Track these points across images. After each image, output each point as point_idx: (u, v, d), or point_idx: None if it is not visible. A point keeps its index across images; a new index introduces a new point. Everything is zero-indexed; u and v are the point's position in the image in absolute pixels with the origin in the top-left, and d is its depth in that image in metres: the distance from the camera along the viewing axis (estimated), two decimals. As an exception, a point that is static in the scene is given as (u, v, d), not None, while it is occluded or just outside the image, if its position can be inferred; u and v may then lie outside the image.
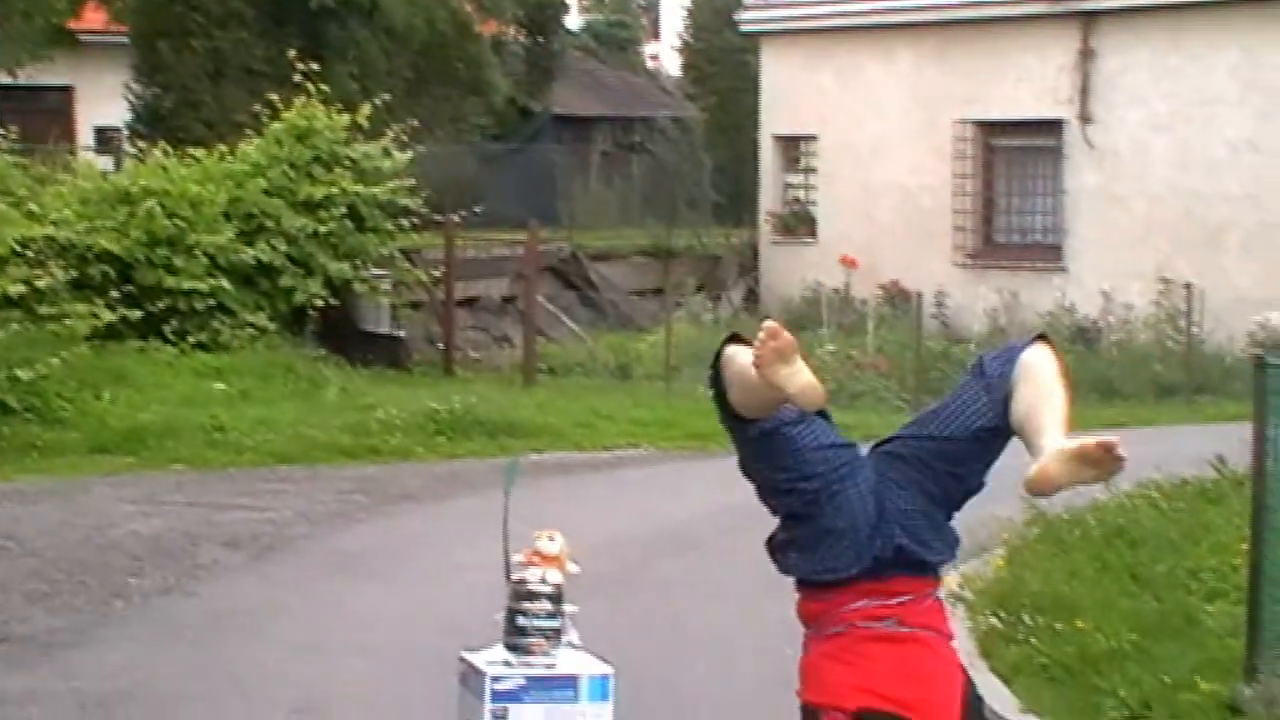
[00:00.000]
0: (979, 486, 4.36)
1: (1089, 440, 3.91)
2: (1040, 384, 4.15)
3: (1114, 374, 19.89)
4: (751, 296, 25.64)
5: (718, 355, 4.35)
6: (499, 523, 12.71)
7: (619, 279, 25.28)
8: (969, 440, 4.26)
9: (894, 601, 4.25)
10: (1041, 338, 4.30)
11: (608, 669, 6.22)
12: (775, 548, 4.45)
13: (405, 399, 16.60)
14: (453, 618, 9.65)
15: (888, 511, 4.27)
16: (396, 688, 8.22)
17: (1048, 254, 22.85)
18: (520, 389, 19.02)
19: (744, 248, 26.36)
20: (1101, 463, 3.91)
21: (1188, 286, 20.48)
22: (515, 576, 6.25)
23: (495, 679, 6.08)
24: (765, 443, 4.33)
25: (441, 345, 20.82)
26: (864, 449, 4.41)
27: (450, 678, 8.34)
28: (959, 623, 9.22)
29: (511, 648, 6.21)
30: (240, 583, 10.37)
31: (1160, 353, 20.55)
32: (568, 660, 6.29)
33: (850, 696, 4.21)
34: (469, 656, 6.28)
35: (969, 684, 4.33)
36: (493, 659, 6.19)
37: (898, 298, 22.36)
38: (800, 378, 4.08)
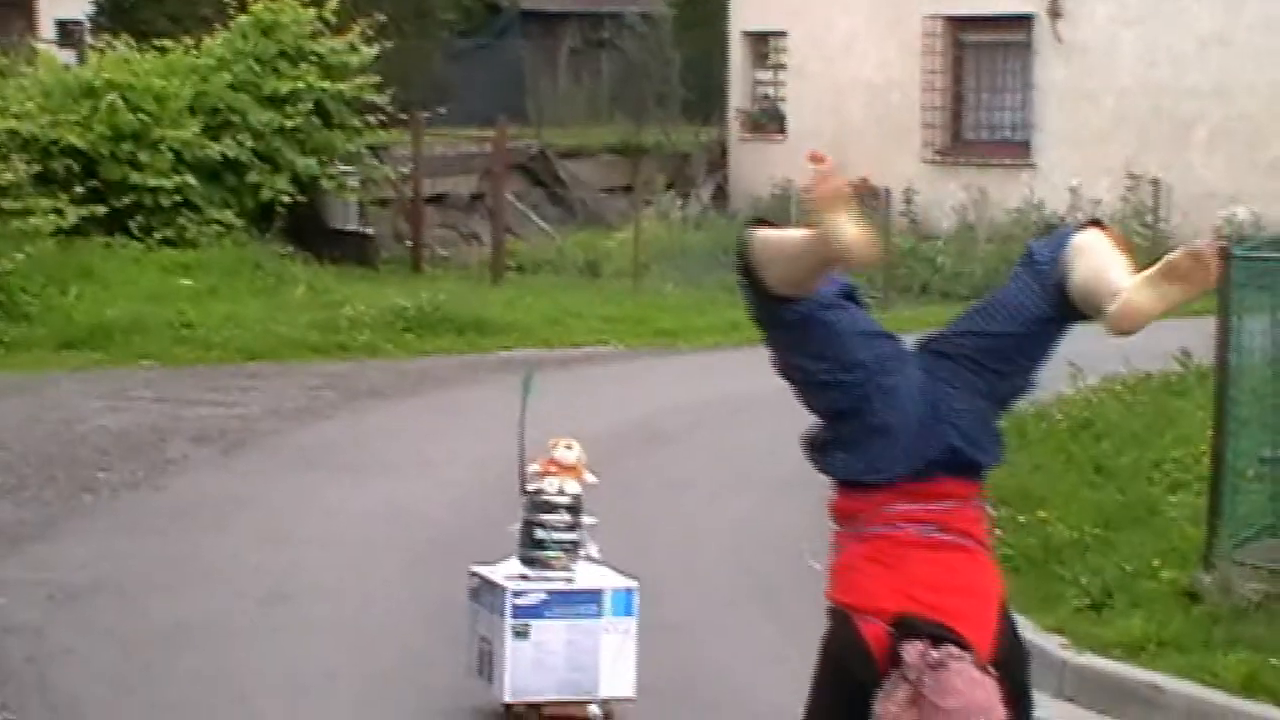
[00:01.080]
0: (1029, 385, 4.17)
1: (1172, 254, 3.73)
2: (1099, 253, 3.98)
3: (1082, 271, 19.87)
4: (720, 194, 25.56)
5: (742, 243, 4.09)
6: (467, 417, 12.80)
7: (587, 176, 25.17)
8: (1020, 335, 4.07)
9: (938, 506, 4.07)
10: (1095, 222, 4.15)
11: (632, 583, 6.12)
12: (816, 446, 4.24)
13: (374, 296, 16.56)
14: (421, 511, 9.69)
15: (940, 411, 4.08)
16: (364, 579, 8.26)
17: (1016, 150, 22.82)
18: (489, 286, 18.98)
19: (713, 145, 26.22)
20: (1191, 274, 3.74)
21: (1155, 182, 20.50)
22: (531, 487, 6.05)
23: (516, 594, 5.95)
24: (801, 331, 4.11)
25: (410, 243, 20.73)
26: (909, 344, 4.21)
27: (419, 570, 8.42)
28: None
29: (528, 561, 6.02)
30: (208, 477, 10.39)
31: (1127, 248, 20.53)
32: (588, 574, 6.11)
33: (889, 599, 4.04)
34: (482, 570, 6.23)
35: (1005, 600, 4.15)
36: (509, 573, 6.08)
37: (866, 195, 22.31)
38: (854, 226, 3.82)
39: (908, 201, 22.51)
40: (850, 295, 4.17)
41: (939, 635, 3.95)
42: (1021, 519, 8.57)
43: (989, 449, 4.12)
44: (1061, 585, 7.61)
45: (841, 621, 4.13)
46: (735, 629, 7.54)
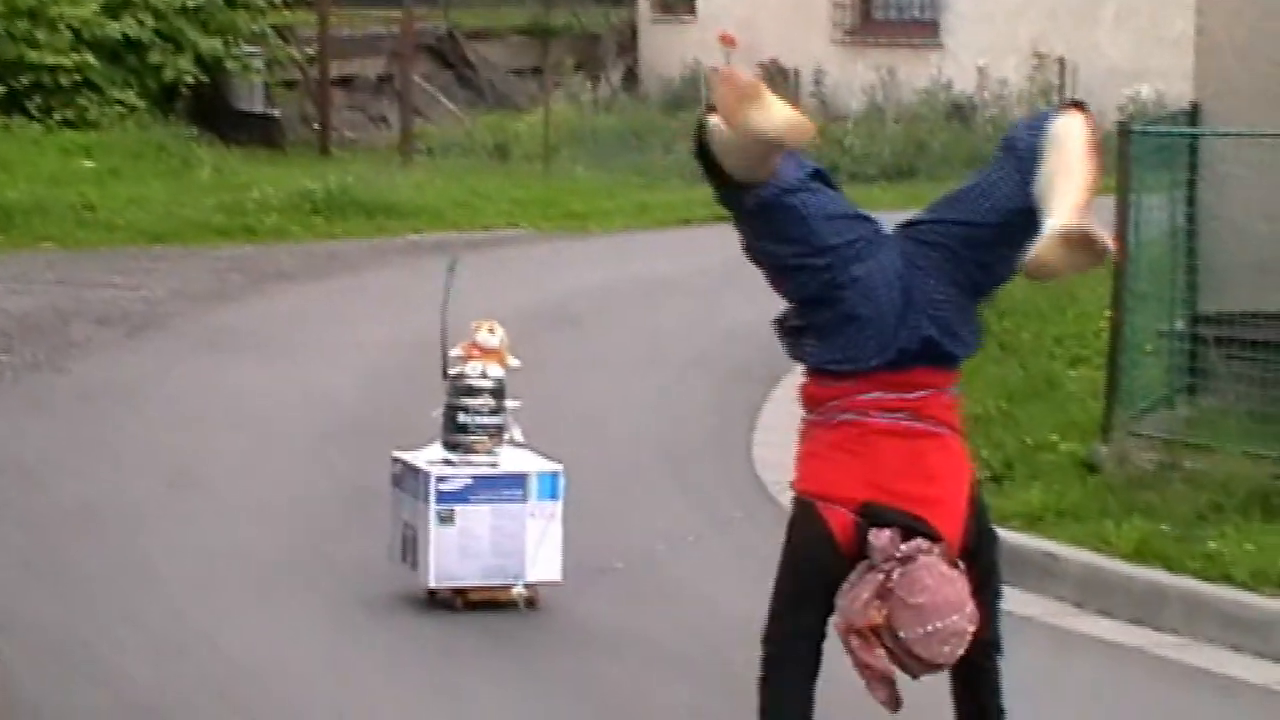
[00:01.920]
0: (1009, 275, 4.09)
1: (1071, 224, 3.73)
2: (1065, 155, 3.89)
3: (988, 150, 19.97)
4: (631, 76, 25.39)
5: (699, 130, 3.99)
6: (376, 301, 12.77)
7: (496, 58, 24.92)
8: (1000, 225, 3.98)
9: (912, 395, 4.02)
10: (1076, 104, 4.05)
11: (557, 466, 6.07)
12: (787, 332, 4.19)
13: (281, 179, 16.39)
14: (330, 394, 9.68)
15: (915, 300, 4.00)
16: (273, 461, 8.26)
17: (925, 30, 22.79)
18: (397, 169, 18.81)
19: (623, 27, 26.01)
20: (1087, 250, 3.75)
21: (1060, 60, 20.59)
22: (453, 371, 5.99)
23: (440, 479, 5.88)
24: (767, 215, 4.00)
25: (317, 125, 20.49)
26: (888, 227, 4.13)
27: (329, 452, 8.43)
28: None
29: (451, 446, 5.96)
30: (113, 359, 10.30)
31: (1098, 135, 20.59)
32: (513, 458, 6.06)
33: (857, 488, 4.00)
34: (404, 456, 6.13)
35: (976, 484, 4.20)
36: (432, 458, 6.01)
37: (776, 76, 22.26)
38: (778, 114, 3.73)
39: (817, 83, 22.47)
40: (821, 177, 4.07)
41: (908, 525, 3.93)
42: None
43: (966, 339, 4.08)
44: (971, 465, 7.71)
45: (806, 510, 4.10)
46: (649, 507, 7.61)
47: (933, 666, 3.98)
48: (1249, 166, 7.44)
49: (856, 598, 3.93)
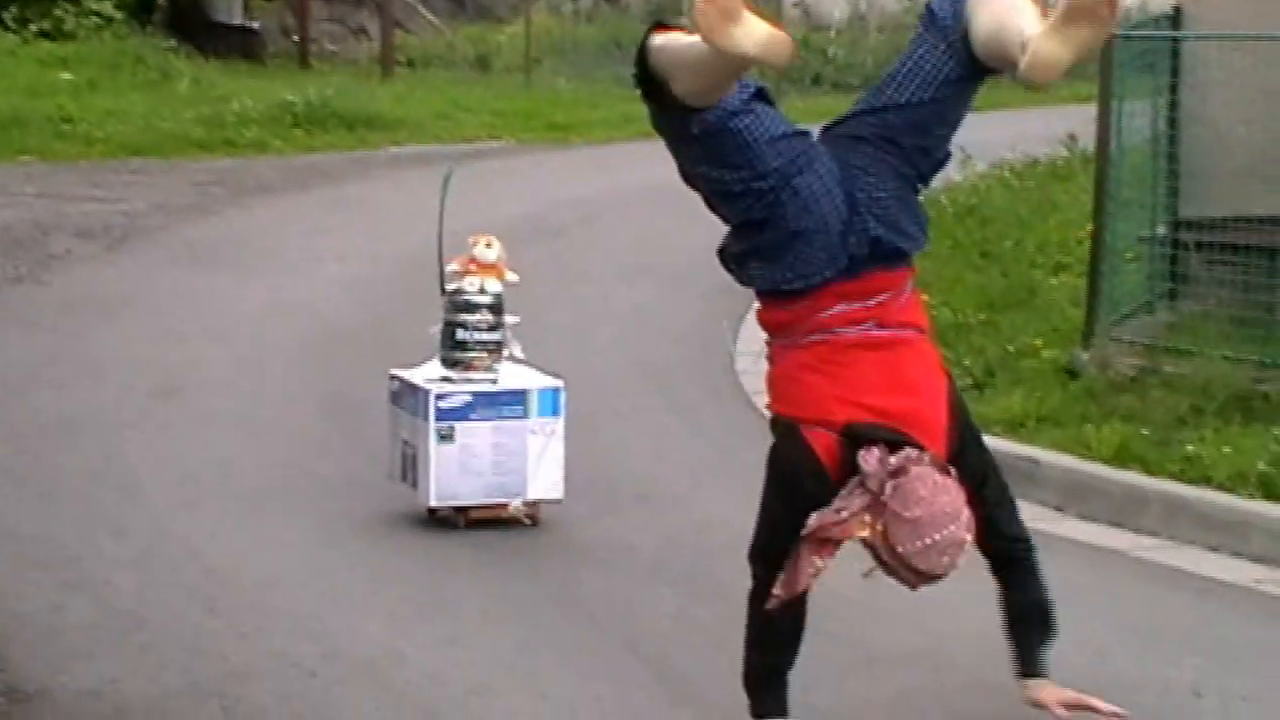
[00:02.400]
0: (946, 157, 4.00)
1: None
2: (998, 3, 3.70)
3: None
4: (613, -14, 25.22)
5: (641, 52, 3.80)
6: (357, 213, 12.66)
7: (477, -32, 24.74)
8: (934, 102, 3.86)
9: (872, 302, 3.91)
10: None
11: (557, 382, 5.98)
12: (730, 259, 4.06)
13: (260, 92, 16.29)
14: (313, 307, 9.66)
15: (858, 202, 3.89)
16: (256, 373, 8.25)
17: (909, -60, 22.66)
18: (378, 82, 18.71)
19: (605, -64, 25.81)
20: (1094, 12, 3.45)
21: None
22: (451, 287, 5.88)
23: (439, 397, 5.79)
24: (711, 141, 3.84)
25: (296, 38, 20.34)
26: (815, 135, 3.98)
27: (312, 364, 8.42)
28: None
29: (450, 363, 5.86)
30: (94, 272, 10.27)
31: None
32: (513, 375, 5.97)
33: (836, 408, 3.89)
34: (402, 374, 6.03)
35: (952, 384, 4.08)
36: (430, 376, 5.92)
37: (759, -14, 22.11)
38: (757, 31, 3.52)
39: (800, -8, 22.34)
40: (762, 95, 3.91)
41: (894, 440, 3.83)
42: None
43: (913, 233, 3.97)
44: (946, 366, 7.73)
45: (787, 434, 3.99)
46: (635, 420, 7.62)
47: (932, 578, 3.90)
48: (1230, 71, 7.41)
49: (844, 509, 3.86)
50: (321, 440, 7.16)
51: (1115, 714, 4.18)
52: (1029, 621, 4.28)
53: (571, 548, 5.82)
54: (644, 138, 17.95)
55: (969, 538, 3.85)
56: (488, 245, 5.98)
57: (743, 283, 4.07)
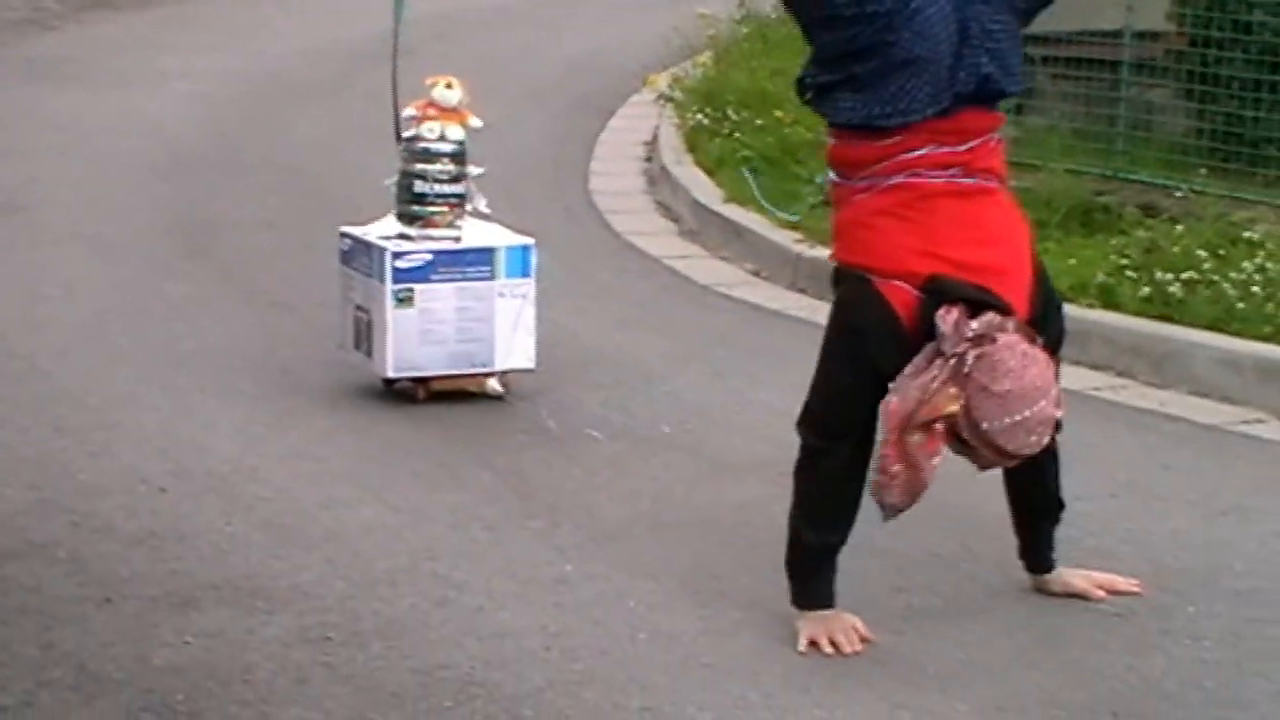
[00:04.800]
0: None
1: None
2: None
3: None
4: None
5: None
6: (201, 30, 12.25)
7: None
8: None
9: (964, 146, 3.62)
10: None
11: (528, 240, 5.43)
12: (813, 89, 3.71)
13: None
14: (159, 125, 9.47)
15: (972, 34, 3.58)
16: (102, 192, 8.10)
17: None
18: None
19: None
20: None
21: None
22: (407, 134, 5.26)
23: (397, 255, 5.20)
24: None
25: None
26: None
27: (158, 182, 8.27)
28: (666, 123, 9.39)
29: (407, 218, 5.28)
30: (-71, 91, 9.97)
31: None
32: (477, 231, 5.40)
33: (916, 259, 3.57)
34: (354, 231, 5.43)
35: (1035, 244, 3.81)
36: (386, 233, 5.34)
37: None
38: None
39: None
40: None
41: (978, 300, 3.52)
42: (760, 121, 8.70)
43: (1017, 74, 3.69)
44: (798, 184, 7.79)
45: (857, 287, 3.63)
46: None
47: (1014, 458, 3.57)
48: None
49: (925, 386, 3.47)
50: (170, 260, 7.06)
51: (1131, 589, 4.00)
52: (1047, 516, 3.99)
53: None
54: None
55: (1059, 414, 3.55)
56: (448, 87, 5.34)
57: (825, 115, 3.71)
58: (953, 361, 3.46)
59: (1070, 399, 5.63)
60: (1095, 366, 5.91)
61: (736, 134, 8.70)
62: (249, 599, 3.94)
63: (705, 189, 8.16)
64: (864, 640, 3.75)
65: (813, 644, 3.73)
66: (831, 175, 3.78)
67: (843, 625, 3.75)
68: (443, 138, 5.29)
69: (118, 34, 11.93)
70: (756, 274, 7.23)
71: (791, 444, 5.01)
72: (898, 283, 3.57)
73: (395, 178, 5.38)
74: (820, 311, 6.79)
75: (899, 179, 3.62)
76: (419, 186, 5.29)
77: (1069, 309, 6.11)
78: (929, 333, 3.52)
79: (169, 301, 6.45)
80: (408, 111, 5.33)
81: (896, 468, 3.53)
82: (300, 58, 11.33)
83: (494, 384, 5.43)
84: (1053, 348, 3.66)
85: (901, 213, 3.61)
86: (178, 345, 5.93)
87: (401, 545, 4.29)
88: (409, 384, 5.41)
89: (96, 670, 3.60)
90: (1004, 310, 3.53)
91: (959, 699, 3.54)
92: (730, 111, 9.01)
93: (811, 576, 3.81)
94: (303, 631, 3.78)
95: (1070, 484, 4.02)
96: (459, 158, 5.33)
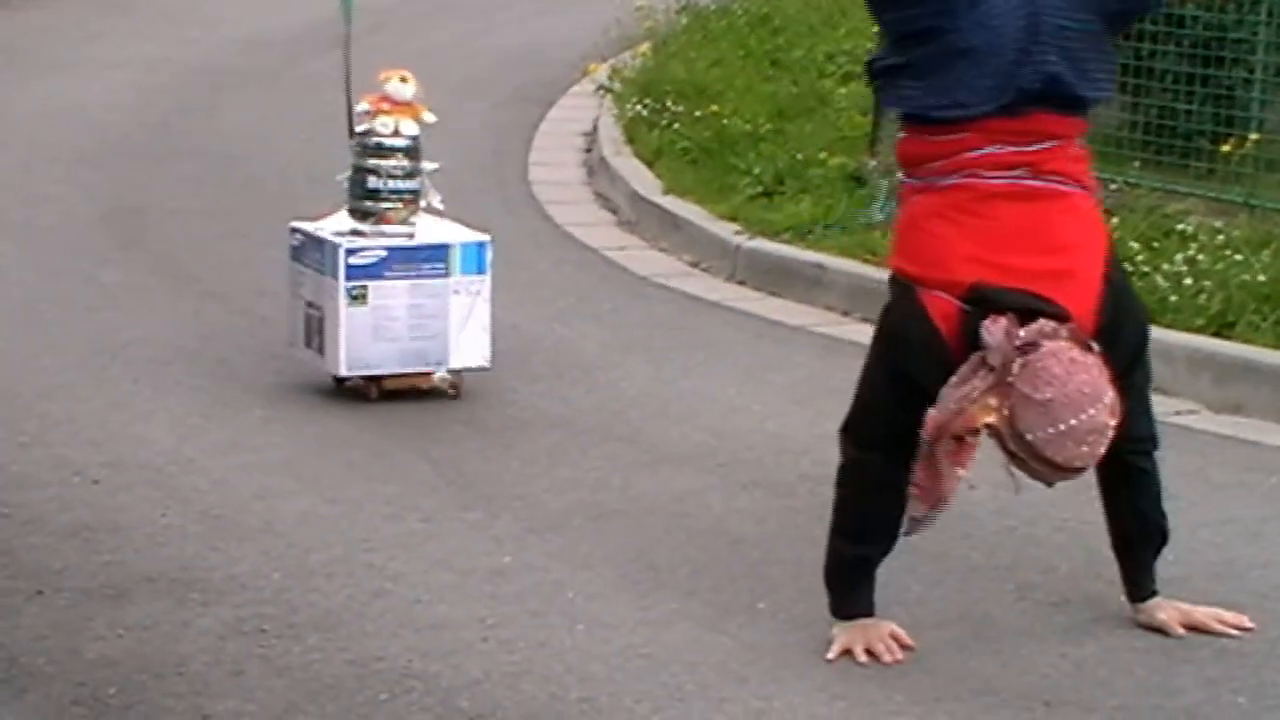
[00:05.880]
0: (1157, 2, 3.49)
1: None
2: None
3: None
4: None
5: None
6: (133, 18, 12.15)
7: None
8: None
9: (1032, 148, 3.43)
10: None
11: (483, 236, 5.36)
12: (880, 72, 3.56)
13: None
14: (88, 113, 9.38)
15: (1042, 28, 3.40)
16: (30, 179, 8.02)
17: None
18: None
19: None
20: None
21: None
22: (360, 128, 5.20)
23: (351, 251, 5.13)
24: None
25: None
26: None
27: (87, 170, 8.19)
28: (605, 114, 9.38)
29: (360, 214, 5.21)
30: None
31: None
32: (432, 228, 5.33)
33: (964, 266, 3.39)
34: (305, 226, 5.36)
35: (1114, 253, 3.60)
36: (338, 229, 5.26)
37: None
38: None
39: None
40: None
41: (1026, 307, 3.34)
42: (698, 113, 8.71)
43: (1096, 79, 3.48)
44: (736, 175, 7.80)
45: (902, 295, 3.49)
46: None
47: (1070, 471, 3.37)
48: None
49: (965, 396, 3.33)
50: (101, 249, 7.00)
51: (1240, 626, 3.79)
52: (1143, 542, 3.77)
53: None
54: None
55: (1113, 423, 3.32)
56: (402, 80, 5.25)
57: (888, 103, 3.60)
58: (995, 370, 3.31)
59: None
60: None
61: (675, 125, 8.70)
62: (183, 591, 3.91)
63: (644, 180, 8.16)
64: (905, 648, 3.64)
65: (846, 653, 3.63)
66: (900, 174, 3.63)
67: (880, 634, 3.65)
68: (396, 132, 5.21)
69: (49, 20, 11.81)
70: (695, 265, 7.24)
71: (729, 434, 5.06)
72: (939, 293, 3.42)
73: (348, 173, 5.30)
74: (758, 303, 6.96)
75: (956, 179, 3.45)
76: (372, 182, 5.21)
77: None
78: (972, 344, 3.36)
79: (101, 290, 6.40)
80: (360, 106, 5.25)
81: (922, 477, 3.44)
82: (234, 46, 11.25)
83: (441, 375, 5.35)
84: (1125, 361, 3.46)
85: (955, 215, 3.44)
86: (111, 335, 5.87)
87: (338, 537, 4.26)
88: (361, 382, 5.33)
89: (28, 663, 3.56)
90: (1057, 316, 3.35)
91: (895, 689, 3.55)
92: (669, 102, 9.01)
93: (849, 586, 3.69)
94: (238, 623, 3.76)
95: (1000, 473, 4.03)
96: (413, 153, 5.25)
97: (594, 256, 7.35)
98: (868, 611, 3.69)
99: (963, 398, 3.34)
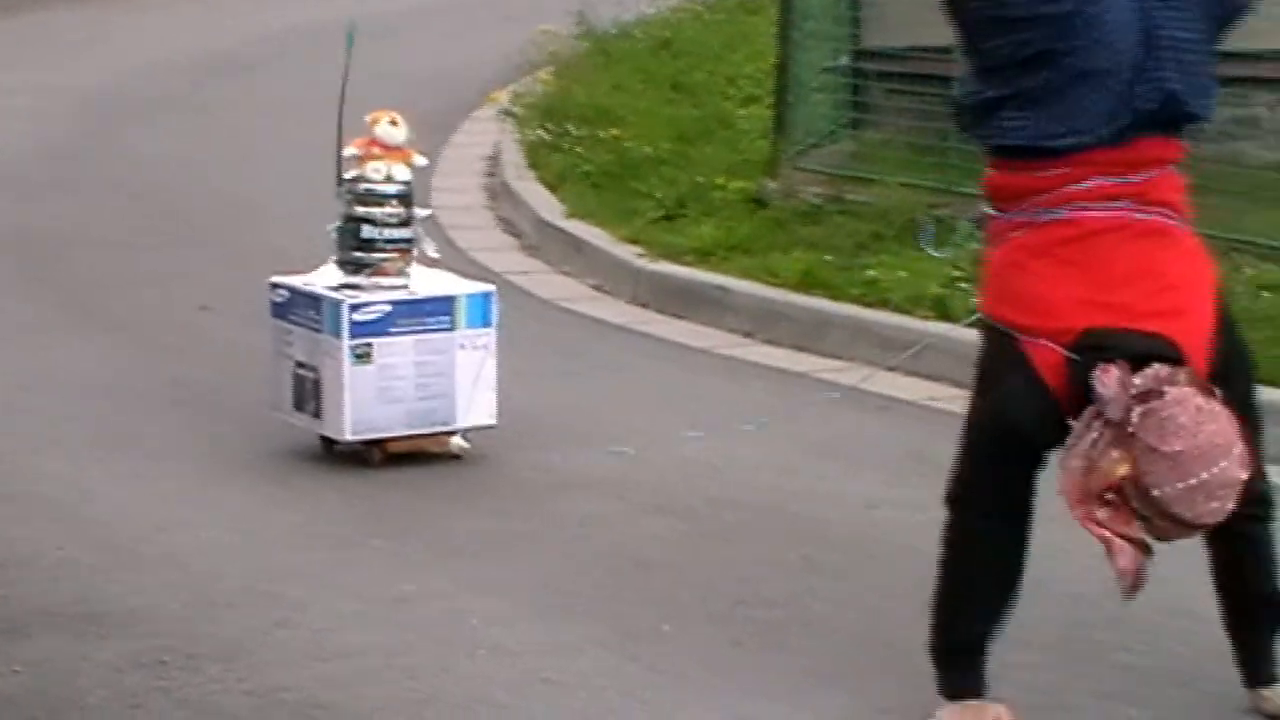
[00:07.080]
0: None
1: None
2: None
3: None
4: None
5: None
6: (31, 47, 12.01)
7: None
8: None
9: (1137, 178, 3.18)
10: None
11: (488, 286, 5.12)
12: (975, 108, 3.27)
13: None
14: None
15: (1158, 43, 3.15)
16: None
17: None
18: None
19: None
20: None
21: None
22: (350, 174, 4.93)
23: (355, 307, 4.84)
24: None
25: None
26: None
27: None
28: (508, 138, 9.37)
29: (354, 266, 4.92)
30: None
31: None
32: (431, 279, 5.09)
33: (1072, 311, 3.14)
34: (291, 281, 5.02)
35: (1220, 290, 3.34)
36: (329, 283, 4.97)
37: None
38: None
39: None
40: None
41: (1144, 352, 3.08)
42: (600, 136, 8.73)
43: (1208, 95, 3.25)
44: (637, 199, 7.83)
45: (1001, 346, 3.21)
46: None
47: (1195, 528, 3.11)
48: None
49: (1089, 456, 3.06)
50: (4, 281, 6.91)
51: None
52: (1262, 619, 3.45)
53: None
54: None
55: (1245, 476, 3.06)
56: (393, 124, 4.96)
57: (986, 139, 3.26)
58: (1113, 422, 3.05)
59: (906, 409, 5.76)
60: (930, 377, 5.99)
61: (577, 149, 8.72)
62: (81, 624, 3.87)
63: (547, 204, 8.17)
64: None
65: None
66: (987, 208, 3.35)
67: (990, 716, 3.38)
68: (389, 178, 4.94)
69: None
70: (598, 289, 7.25)
71: (634, 458, 5.05)
72: (1045, 343, 3.15)
73: (337, 223, 4.99)
74: (662, 325, 6.98)
75: (1061, 213, 3.19)
76: (367, 231, 4.89)
77: (902, 320, 6.31)
78: (1084, 397, 3.10)
79: (3, 323, 6.32)
80: (349, 151, 4.99)
81: (1106, 536, 3.12)
82: (141, 73, 11.16)
83: (458, 442, 5.01)
84: (1239, 405, 3.17)
85: (1060, 253, 3.19)
86: (12, 367, 5.80)
87: (241, 566, 4.23)
88: (362, 447, 4.93)
89: (-78, 703, 3.51)
90: (1174, 360, 3.10)
91: (802, 709, 3.57)
92: (571, 127, 9.02)
93: (955, 663, 3.40)
94: (137, 656, 3.71)
95: (909, 494, 4.07)
96: (406, 199, 4.98)
97: (497, 280, 7.32)
98: (975, 692, 3.40)
99: (1084, 454, 3.09)
